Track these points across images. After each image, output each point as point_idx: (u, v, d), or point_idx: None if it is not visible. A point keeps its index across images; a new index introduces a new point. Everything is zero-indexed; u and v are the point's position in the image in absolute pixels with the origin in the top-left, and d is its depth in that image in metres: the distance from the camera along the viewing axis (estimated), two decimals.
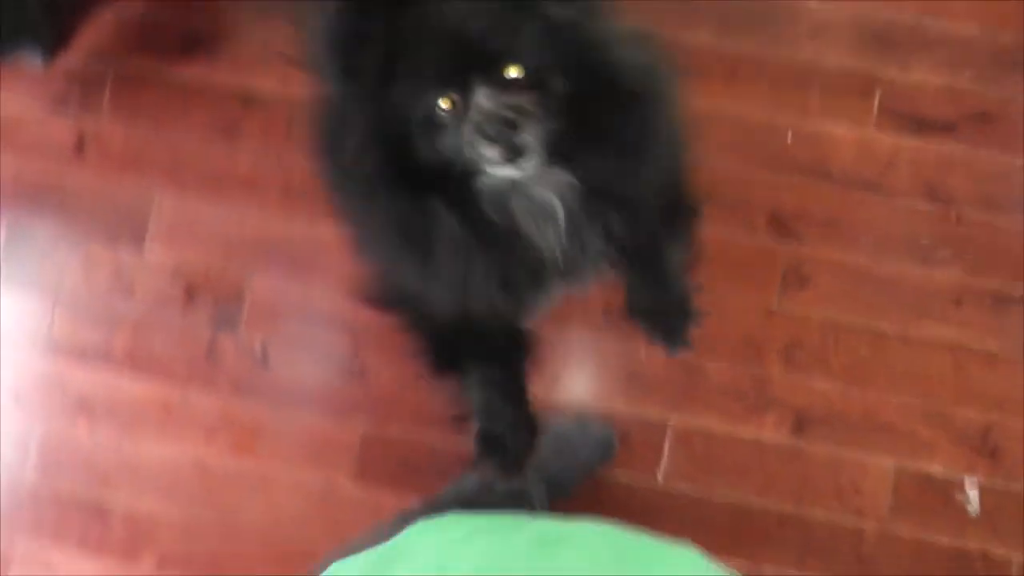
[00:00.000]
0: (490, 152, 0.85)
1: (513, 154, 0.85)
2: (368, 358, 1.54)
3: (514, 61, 0.85)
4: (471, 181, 0.91)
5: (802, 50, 1.57)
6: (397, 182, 0.90)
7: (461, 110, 0.86)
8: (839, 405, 1.49)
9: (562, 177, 0.93)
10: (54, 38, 1.62)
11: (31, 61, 1.61)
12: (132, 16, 1.66)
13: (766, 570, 1.47)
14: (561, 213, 0.94)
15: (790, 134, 1.55)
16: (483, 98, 0.85)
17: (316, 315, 1.55)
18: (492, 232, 0.93)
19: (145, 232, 1.59)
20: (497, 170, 0.88)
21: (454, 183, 0.90)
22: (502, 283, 0.97)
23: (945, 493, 1.48)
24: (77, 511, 1.56)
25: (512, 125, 0.84)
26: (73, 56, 1.64)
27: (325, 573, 0.55)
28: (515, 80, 0.85)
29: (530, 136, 0.85)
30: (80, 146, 1.62)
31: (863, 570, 1.47)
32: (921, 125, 1.55)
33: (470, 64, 0.84)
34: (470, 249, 0.94)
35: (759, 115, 1.55)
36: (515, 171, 0.88)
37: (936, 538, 1.48)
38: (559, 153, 0.89)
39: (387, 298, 1.13)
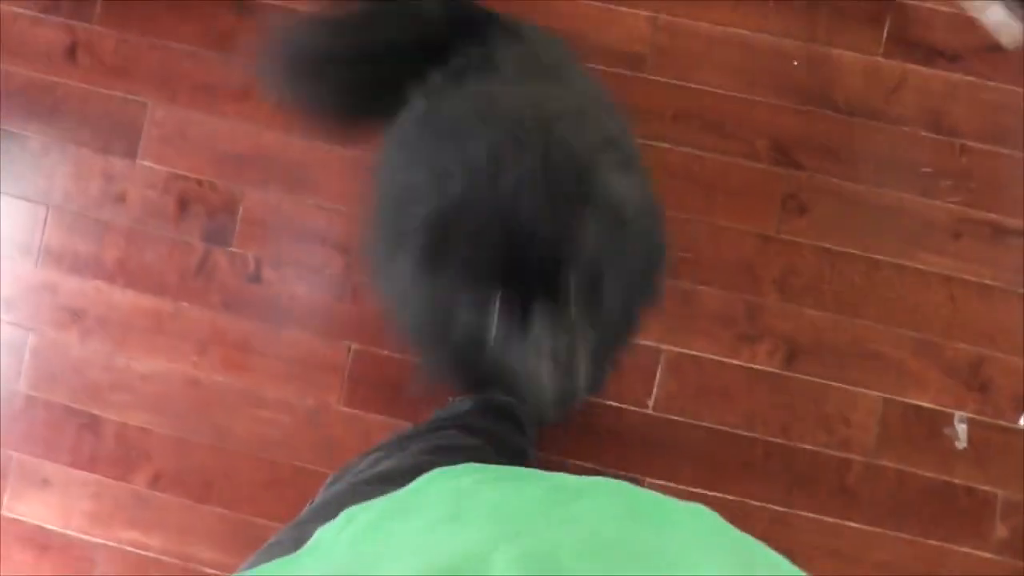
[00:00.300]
0: (544, 387, 0.78)
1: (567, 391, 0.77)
2: (361, 277, 1.54)
3: (575, 274, 0.76)
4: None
5: None
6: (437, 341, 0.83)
7: (517, 320, 0.77)
8: (830, 335, 1.50)
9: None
10: None
11: None
12: None
13: (753, 500, 1.49)
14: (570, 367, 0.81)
15: (795, 61, 1.54)
16: (541, 312, 0.77)
17: (310, 232, 1.55)
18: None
19: (137, 140, 1.59)
20: (535, 389, 0.80)
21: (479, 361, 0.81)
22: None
23: (933, 426, 1.49)
24: (70, 424, 1.57)
25: (572, 353, 0.77)
26: None
27: (344, 515, 0.56)
28: (574, 296, 0.77)
29: (583, 365, 0.78)
30: (72, 51, 1.61)
31: (848, 501, 1.49)
32: (930, 54, 1.54)
33: (532, 275, 0.76)
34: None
35: (766, 39, 1.54)
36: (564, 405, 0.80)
37: (922, 471, 1.49)
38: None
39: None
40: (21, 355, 1.58)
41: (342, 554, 0.50)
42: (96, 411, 1.57)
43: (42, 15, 1.61)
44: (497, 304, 0.76)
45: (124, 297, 1.57)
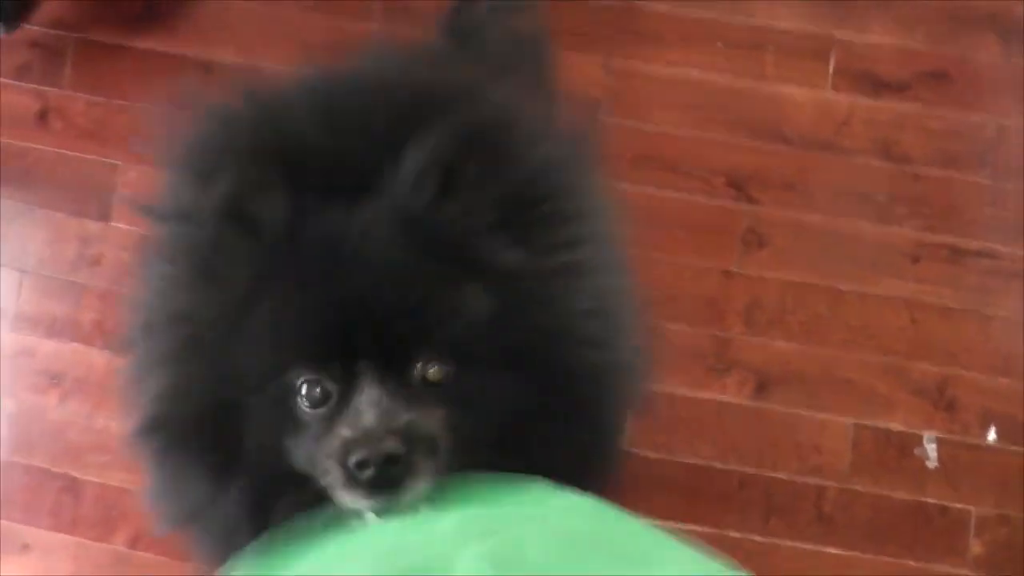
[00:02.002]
0: (350, 495, 0.59)
1: (386, 495, 0.58)
2: None
3: (434, 356, 0.60)
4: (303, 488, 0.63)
5: (757, 14, 1.69)
6: (198, 450, 0.65)
7: (332, 410, 0.60)
8: (798, 364, 1.61)
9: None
10: (16, 8, 1.71)
11: None
12: None
13: (730, 532, 1.57)
14: None
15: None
16: (366, 404, 0.59)
17: None
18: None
19: (110, 202, 1.70)
20: (351, 504, 0.60)
21: (273, 482, 0.64)
22: None
23: (904, 448, 1.59)
24: (49, 487, 1.64)
25: (397, 463, 0.57)
26: (35, 25, 1.74)
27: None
28: (429, 384, 0.61)
29: (422, 478, 0.58)
30: (43, 115, 1.73)
31: (826, 528, 1.57)
32: (877, 85, 1.67)
33: (363, 345, 0.60)
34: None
35: (716, 79, 1.67)
36: (377, 511, 0.60)
37: (895, 493, 1.59)
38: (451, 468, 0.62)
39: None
40: None
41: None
42: (76, 473, 1.65)
43: (13, 81, 1.72)
44: (309, 381, 0.61)
45: (102, 357, 1.67)
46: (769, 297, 1.62)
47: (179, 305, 0.64)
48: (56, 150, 1.72)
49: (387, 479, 0.57)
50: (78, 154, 1.71)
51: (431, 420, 0.60)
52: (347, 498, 0.59)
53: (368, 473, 0.57)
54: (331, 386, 0.60)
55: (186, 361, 0.63)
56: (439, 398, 0.60)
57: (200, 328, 0.62)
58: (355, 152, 0.65)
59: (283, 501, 0.63)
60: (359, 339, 0.59)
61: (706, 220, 1.64)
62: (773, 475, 1.59)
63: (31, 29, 1.75)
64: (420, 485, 0.58)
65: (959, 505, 1.58)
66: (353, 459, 0.57)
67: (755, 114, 1.66)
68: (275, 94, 0.79)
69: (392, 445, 0.57)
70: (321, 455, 0.60)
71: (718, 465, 1.59)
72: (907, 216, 1.64)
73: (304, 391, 0.60)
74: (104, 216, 1.69)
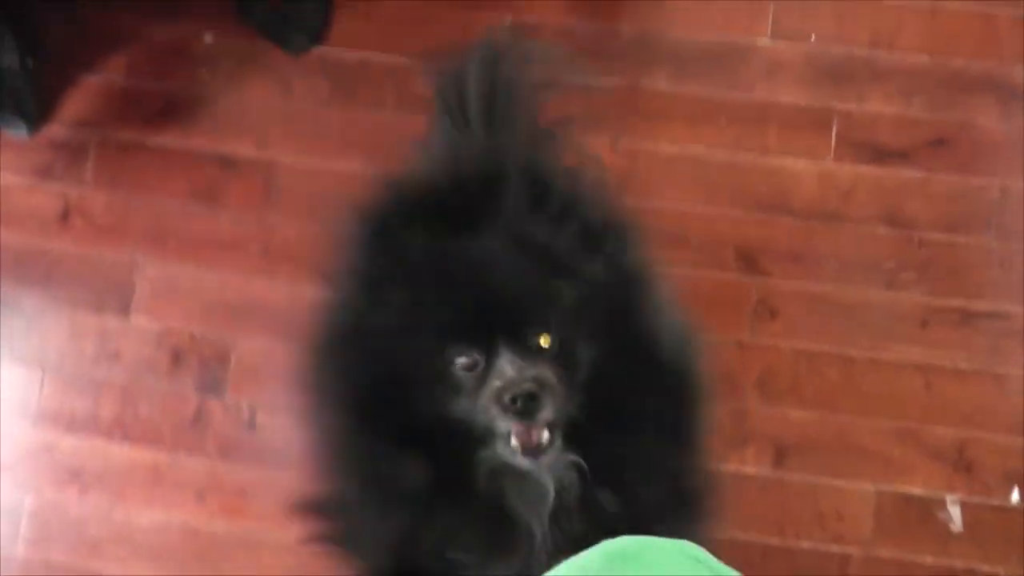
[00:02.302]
0: (503, 421, 0.85)
1: (533, 440, 0.85)
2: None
3: (544, 329, 0.87)
4: (470, 450, 0.90)
5: (758, 89, 1.76)
6: (383, 428, 0.90)
7: (480, 373, 0.87)
8: (815, 433, 1.66)
9: (567, 457, 0.90)
10: (38, 109, 1.80)
11: (16, 132, 1.79)
12: (114, 83, 1.85)
13: None
14: (552, 495, 0.90)
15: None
16: (507, 364, 0.85)
17: None
18: (471, 503, 0.90)
19: (130, 298, 1.76)
20: (511, 458, 0.87)
21: (448, 448, 0.89)
22: (460, 553, 0.91)
23: (926, 512, 1.62)
24: None
25: (534, 399, 0.83)
26: (57, 125, 1.83)
27: None
28: (542, 349, 0.87)
29: (548, 409, 0.84)
30: (65, 215, 1.80)
31: None
32: (878, 154, 1.74)
33: (497, 326, 0.86)
34: (438, 512, 0.90)
35: (721, 155, 1.75)
36: (532, 464, 0.87)
37: (921, 558, 1.61)
38: (571, 433, 0.89)
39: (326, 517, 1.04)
40: (18, 518, 1.70)
41: None
42: (97, 567, 1.68)
43: (36, 182, 1.80)
44: (461, 354, 0.87)
45: (121, 452, 1.72)
46: (783, 367, 1.67)
47: (361, 318, 0.93)
48: (77, 248, 1.78)
49: (528, 410, 0.83)
50: (99, 251, 1.78)
51: (548, 373, 0.86)
52: (501, 424, 0.86)
53: (517, 406, 0.83)
54: (478, 356, 0.87)
55: (369, 351, 0.91)
56: (549, 360, 0.87)
57: (378, 328, 0.91)
58: (468, 202, 0.96)
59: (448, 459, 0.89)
60: (495, 322, 0.86)
61: (717, 293, 1.69)
62: (796, 545, 1.62)
63: (53, 129, 1.83)
64: (547, 414, 0.85)
65: (987, 567, 1.60)
66: (507, 396, 0.83)
67: (761, 187, 1.72)
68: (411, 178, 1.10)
69: (530, 386, 0.83)
70: (481, 402, 0.86)
71: (740, 536, 1.62)
72: (915, 281, 1.69)
73: (460, 363, 0.87)
74: (123, 311, 1.76)
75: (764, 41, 1.79)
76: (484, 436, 0.89)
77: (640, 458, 0.93)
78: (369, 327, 0.91)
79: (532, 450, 0.86)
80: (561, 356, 0.89)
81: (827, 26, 1.79)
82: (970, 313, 1.68)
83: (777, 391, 1.66)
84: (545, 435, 0.86)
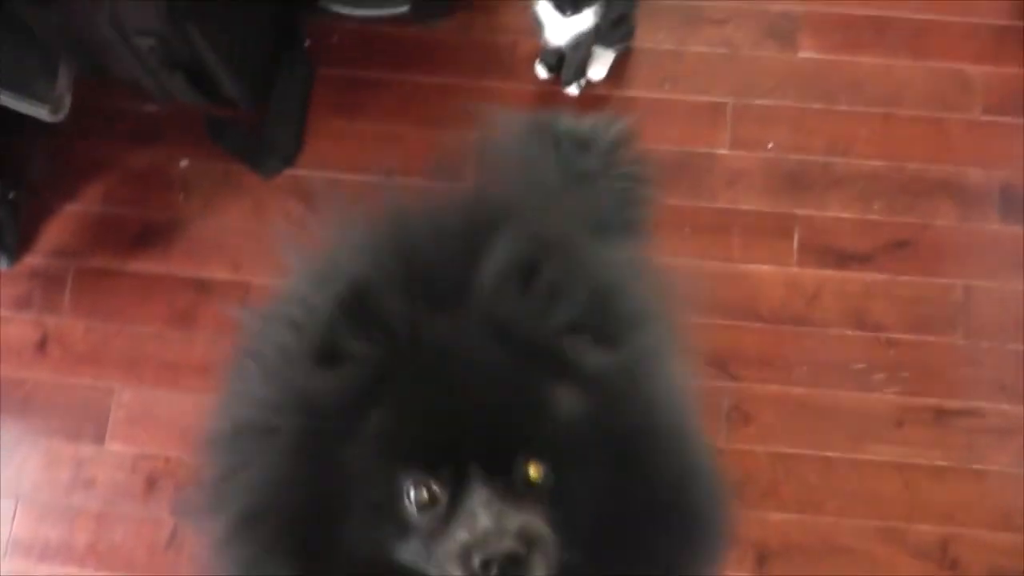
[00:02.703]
0: None
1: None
2: None
3: (534, 456, 0.64)
4: None
5: (720, 197, 1.85)
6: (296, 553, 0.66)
7: (442, 514, 0.64)
8: (797, 535, 1.68)
9: None
10: (17, 240, 1.87)
11: None
12: (92, 211, 1.92)
13: None
14: None
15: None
16: (481, 508, 0.62)
17: None
18: None
19: (106, 425, 1.79)
20: None
21: None
22: None
23: None
24: None
25: (519, 563, 0.61)
26: (36, 255, 1.89)
27: None
28: (531, 484, 0.64)
29: (537, 567, 0.62)
30: (42, 343, 1.84)
31: None
32: (841, 258, 1.81)
33: (469, 448, 0.64)
34: None
35: (686, 263, 1.82)
36: None
37: None
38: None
39: None
40: None
41: None
42: None
43: (14, 313, 1.85)
44: (417, 484, 0.64)
45: None
46: (760, 471, 1.71)
47: (295, 396, 0.67)
48: (54, 377, 1.82)
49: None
50: (75, 378, 1.82)
51: (539, 522, 0.63)
52: None
53: (492, 574, 0.60)
54: (439, 489, 0.63)
55: (293, 453, 0.66)
56: (540, 498, 0.64)
57: (314, 421, 0.65)
58: (447, 266, 0.69)
59: None
60: (466, 443, 0.63)
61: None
62: None
63: (32, 259, 1.89)
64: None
65: None
66: (477, 560, 0.60)
67: (728, 294, 1.78)
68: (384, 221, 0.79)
69: (513, 546, 0.60)
70: (439, 556, 0.63)
71: None
72: (887, 382, 1.74)
73: (412, 494, 0.63)
74: (99, 439, 1.79)
75: (723, 151, 1.88)
76: None
77: None
78: (287, 428, 0.66)
79: None
80: (557, 493, 0.65)
81: (784, 135, 1.89)
82: (944, 411, 1.73)
83: (756, 495, 1.69)
84: None
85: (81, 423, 1.79)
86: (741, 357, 1.75)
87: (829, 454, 1.71)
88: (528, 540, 0.61)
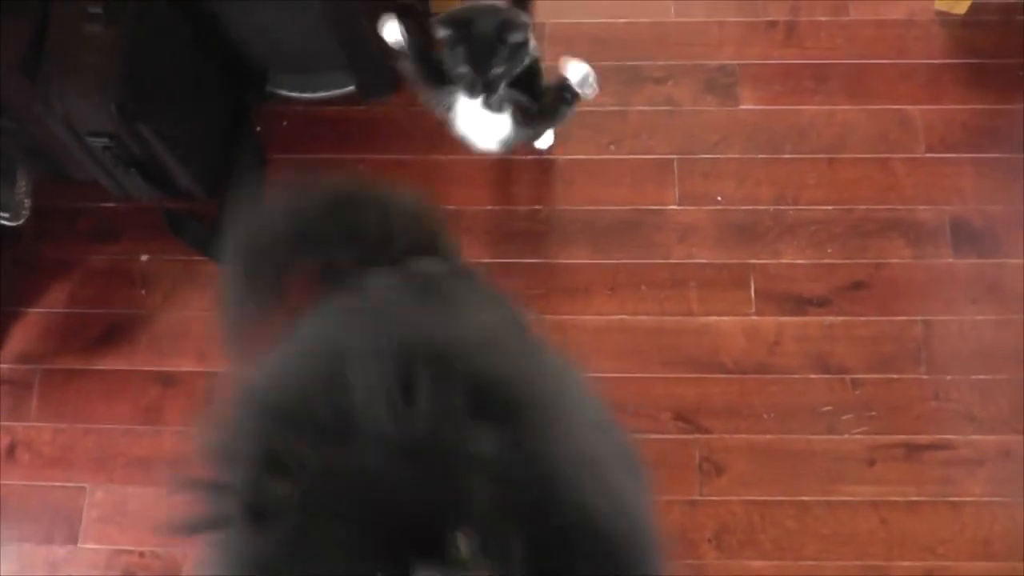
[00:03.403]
0: None
1: None
2: None
3: (463, 532, 0.70)
4: None
5: (673, 252, 1.90)
6: None
7: None
8: None
9: None
10: None
11: None
12: (56, 313, 1.96)
13: None
14: None
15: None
16: None
17: None
18: None
19: (79, 525, 1.81)
20: None
21: None
22: None
23: None
24: None
25: None
26: (2, 363, 1.93)
27: None
28: (465, 558, 0.70)
29: None
30: (11, 450, 1.87)
31: None
32: (799, 303, 1.86)
33: (407, 538, 0.69)
34: None
35: (646, 320, 1.87)
36: None
37: None
38: None
39: None
40: None
41: None
42: None
43: None
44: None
45: None
46: (736, 520, 1.74)
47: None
48: (24, 482, 1.84)
49: None
50: (45, 483, 1.84)
51: None
52: None
53: None
54: None
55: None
56: (477, 569, 0.69)
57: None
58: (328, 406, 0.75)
59: None
60: (403, 533, 0.68)
61: (661, 456, 1.77)
62: None
63: None
64: None
65: None
66: None
67: (689, 347, 1.83)
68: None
69: None
70: None
71: None
72: (854, 422, 1.78)
73: None
74: (72, 539, 1.80)
75: (673, 207, 1.94)
76: None
77: None
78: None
79: None
80: (489, 554, 0.71)
81: (731, 187, 1.95)
82: (914, 446, 1.76)
83: (734, 544, 1.71)
84: None
85: (53, 525, 1.80)
86: (709, 409, 1.79)
87: (804, 498, 1.73)
88: None
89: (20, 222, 1.85)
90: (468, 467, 0.72)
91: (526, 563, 0.73)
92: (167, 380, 1.87)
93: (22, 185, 1.83)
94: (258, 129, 2.06)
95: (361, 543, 0.69)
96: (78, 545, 1.79)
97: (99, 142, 1.72)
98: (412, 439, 0.71)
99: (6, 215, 1.81)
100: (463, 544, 0.69)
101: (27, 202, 1.86)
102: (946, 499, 1.73)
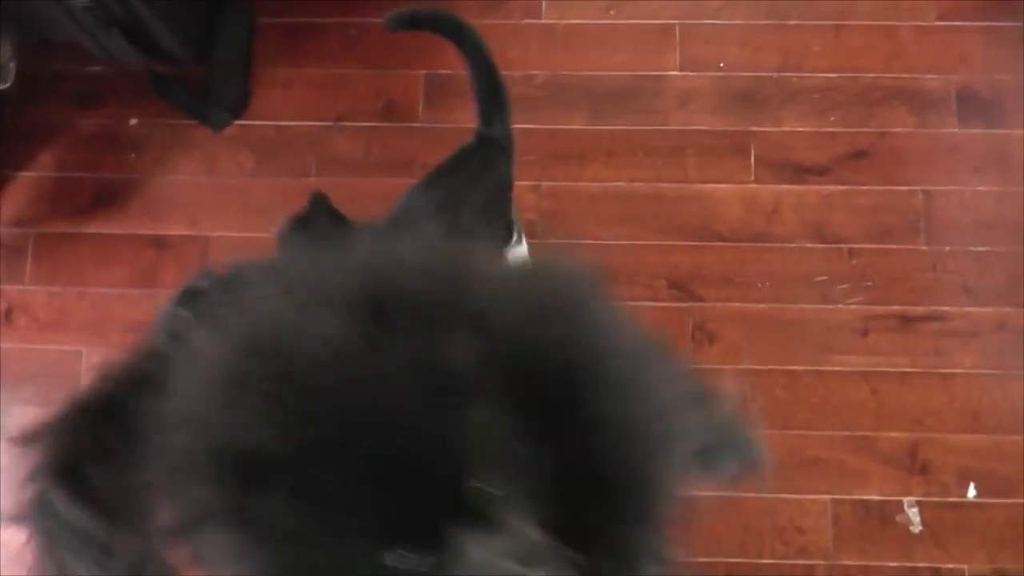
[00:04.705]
0: None
1: None
2: None
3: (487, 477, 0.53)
4: None
5: (672, 119, 1.89)
6: None
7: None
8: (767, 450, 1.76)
9: None
10: None
11: None
12: (46, 177, 1.97)
13: None
14: None
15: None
16: (478, 552, 0.51)
17: None
18: None
19: (77, 388, 1.87)
20: None
21: None
22: None
23: (885, 517, 1.71)
24: None
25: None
26: None
27: None
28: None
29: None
30: (8, 315, 1.89)
31: None
32: (799, 172, 1.86)
33: (446, 506, 0.54)
34: None
35: (643, 187, 1.88)
36: None
37: (885, 563, 1.69)
38: None
39: None
40: None
41: None
42: None
43: None
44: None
45: None
46: (727, 389, 1.78)
47: None
48: (22, 346, 1.88)
49: None
50: (42, 346, 1.88)
51: (534, 536, 0.53)
52: None
53: None
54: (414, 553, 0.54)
55: None
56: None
57: None
58: None
59: None
60: (440, 499, 0.53)
61: (655, 323, 1.79)
62: (759, 561, 1.71)
63: None
64: None
65: (951, 565, 1.69)
66: None
67: (686, 215, 1.84)
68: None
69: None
70: None
71: (702, 558, 1.71)
72: (850, 292, 1.80)
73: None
74: None
75: (674, 73, 1.92)
76: None
77: None
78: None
79: None
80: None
81: (734, 53, 1.93)
82: (908, 318, 1.79)
83: None
84: None
85: (52, 388, 1.84)
86: (703, 277, 1.81)
87: (795, 368, 1.77)
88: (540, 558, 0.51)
89: (6, 86, 1.84)
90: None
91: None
92: (160, 244, 1.89)
93: (6, 49, 1.82)
94: None
95: (360, 517, 0.52)
96: None
97: (80, 2, 1.70)
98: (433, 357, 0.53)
99: None
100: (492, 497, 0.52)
101: (12, 66, 1.84)
102: (937, 371, 1.77)
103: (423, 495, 0.51)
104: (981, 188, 1.84)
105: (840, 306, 1.78)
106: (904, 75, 1.91)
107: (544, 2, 1.98)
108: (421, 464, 0.51)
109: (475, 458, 0.51)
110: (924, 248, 1.82)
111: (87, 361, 1.85)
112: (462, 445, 0.51)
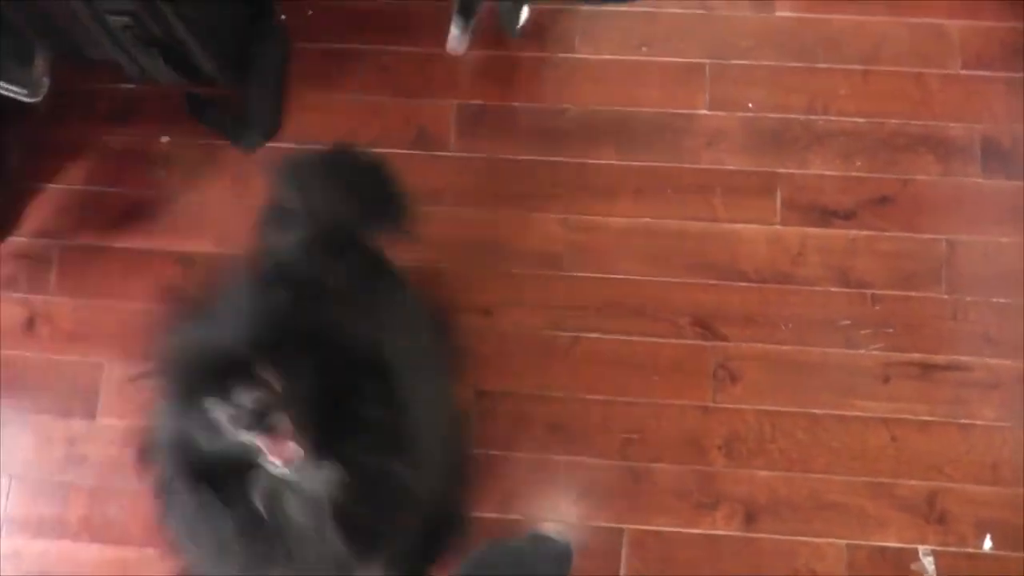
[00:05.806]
0: (249, 437, 1.00)
1: (262, 427, 0.99)
2: None
3: (261, 363, 1.02)
4: (247, 477, 1.06)
5: (701, 158, 1.89)
6: (189, 481, 1.07)
7: (226, 409, 1.01)
8: (784, 491, 1.74)
9: (330, 473, 1.06)
10: (2, 223, 1.93)
11: None
12: (74, 191, 1.98)
13: None
14: (328, 509, 1.07)
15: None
16: (239, 396, 1.00)
17: None
18: (264, 527, 1.07)
19: (96, 400, 1.84)
20: (269, 467, 1.03)
21: (232, 480, 1.06)
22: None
23: (900, 564, 1.69)
24: None
25: (261, 413, 0.99)
26: (21, 237, 1.95)
27: None
28: (264, 377, 1.01)
29: (281, 419, 1.00)
30: (31, 324, 1.89)
31: None
32: (825, 215, 1.86)
33: (226, 371, 1.01)
34: (248, 543, 1.08)
35: (670, 224, 1.88)
36: (282, 469, 1.02)
37: None
38: (324, 448, 1.04)
39: None
40: None
41: None
42: None
43: (2, 294, 1.90)
44: (205, 400, 1.00)
45: (89, 553, 1.76)
46: (748, 429, 1.77)
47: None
48: (43, 355, 1.88)
49: (263, 424, 1.00)
50: (64, 357, 1.87)
51: (271, 392, 1.02)
52: (246, 439, 1.01)
53: (247, 417, 0.99)
54: (219, 397, 1.02)
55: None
56: (272, 382, 1.03)
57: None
58: None
59: None
60: (224, 369, 1.03)
61: (677, 360, 1.80)
62: None
63: (17, 241, 1.95)
64: (284, 426, 1.01)
65: None
66: (238, 417, 1.00)
67: (711, 254, 1.84)
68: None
69: (255, 403, 0.99)
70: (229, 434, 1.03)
71: None
72: (872, 338, 1.80)
73: (208, 407, 1.02)
74: (90, 415, 1.84)
75: (703, 111, 1.93)
76: (250, 459, 1.03)
77: (390, 469, 1.09)
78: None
79: (261, 426, 0.99)
80: (282, 377, 1.02)
81: (762, 94, 1.94)
82: (929, 366, 1.78)
83: (744, 453, 1.75)
84: (293, 446, 1.00)
85: (72, 400, 1.84)
86: (727, 316, 1.81)
87: (816, 411, 1.76)
88: (266, 402, 0.99)
89: (38, 99, 1.85)
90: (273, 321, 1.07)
91: (315, 378, 1.04)
92: (186, 261, 1.89)
93: (40, 64, 1.83)
94: (283, 17, 2.04)
95: (199, 378, 1.03)
96: (96, 420, 1.84)
97: (120, 20, 1.71)
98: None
99: (24, 91, 1.81)
100: (264, 369, 1.01)
101: (45, 79, 1.86)
102: (957, 420, 1.76)
103: (235, 380, 0.99)
104: (1004, 239, 1.84)
105: (862, 351, 1.78)
106: (930, 122, 1.92)
107: (577, 37, 1.98)
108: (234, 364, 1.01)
109: (263, 361, 1.01)
110: (945, 297, 1.82)
111: (108, 373, 1.84)
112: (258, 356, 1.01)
